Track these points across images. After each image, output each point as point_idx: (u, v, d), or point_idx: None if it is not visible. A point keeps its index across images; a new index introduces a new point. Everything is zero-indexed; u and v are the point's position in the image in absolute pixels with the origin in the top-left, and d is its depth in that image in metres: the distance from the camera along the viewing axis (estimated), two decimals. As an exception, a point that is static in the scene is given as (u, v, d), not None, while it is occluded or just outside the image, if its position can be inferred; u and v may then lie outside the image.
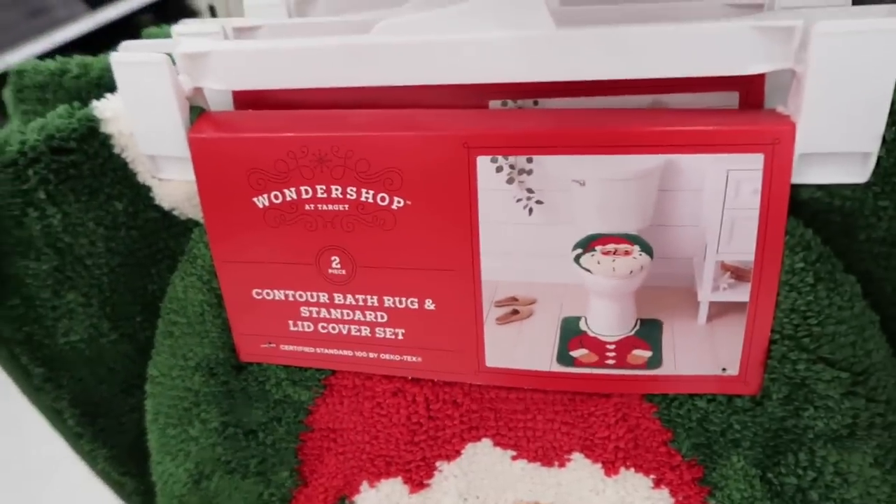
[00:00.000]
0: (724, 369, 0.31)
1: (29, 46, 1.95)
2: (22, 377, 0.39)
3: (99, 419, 0.43)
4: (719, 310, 0.30)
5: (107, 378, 0.42)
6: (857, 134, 0.27)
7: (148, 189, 0.36)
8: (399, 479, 0.39)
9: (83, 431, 0.43)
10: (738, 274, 0.29)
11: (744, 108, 0.30)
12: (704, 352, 0.31)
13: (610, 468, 0.35)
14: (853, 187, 0.28)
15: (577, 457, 0.35)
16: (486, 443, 0.36)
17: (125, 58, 0.32)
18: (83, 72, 0.40)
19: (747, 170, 0.28)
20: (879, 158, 0.27)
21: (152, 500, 0.47)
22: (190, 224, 0.38)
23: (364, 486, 0.39)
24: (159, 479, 0.42)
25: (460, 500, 0.38)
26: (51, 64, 0.40)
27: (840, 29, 0.25)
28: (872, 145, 0.27)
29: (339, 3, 0.45)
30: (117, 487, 0.47)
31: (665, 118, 0.29)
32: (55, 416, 0.42)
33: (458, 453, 0.37)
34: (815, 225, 0.29)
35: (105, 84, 0.39)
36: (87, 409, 0.42)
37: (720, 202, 0.28)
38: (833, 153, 0.27)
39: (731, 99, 0.31)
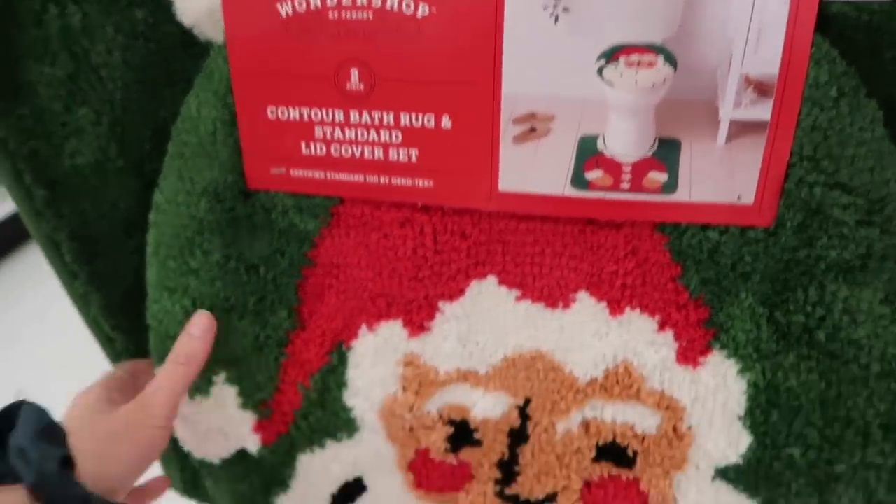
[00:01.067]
0: (739, 197, 0.31)
1: None
2: (24, 198, 0.39)
3: (96, 259, 0.42)
4: (739, 130, 0.30)
5: (108, 213, 0.41)
6: (890, -63, 0.27)
7: (170, 3, 0.36)
8: (399, 322, 0.38)
9: (79, 271, 0.42)
10: (761, 89, 0.29)
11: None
12: (721, 177, 0.31)
13: (615, 308, 0.35)
14: (881, 2, 0.28)
15: (582, 296, 0.35)
16: (492, 280, 0.36)
17: None
18: None
19: (778, -25, 0.28)
20: (911, -34, 0.27)
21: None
22: (208, 46, 0.37)
23: (363, 329, 0.39)
24: (154, 318, 0.42)
25: (459, 345, 0.38)
26: None
27: None
28: (905, -50, 0.27)
29: None
30: (107, 345, 0.47)
31: (698, -71, 0.29)
32: (53, 249, 0.41)
33: (461, 292, 0.37)
34: (841, 45, 0.29)
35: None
36: (86, 245, 0.41)
37: (749, 10, 0.28)
38: (865, -40, 0.27)
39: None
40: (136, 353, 0.47)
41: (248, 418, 0.42)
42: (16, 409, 0.34)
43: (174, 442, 0.50)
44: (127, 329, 0.46)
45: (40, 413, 0.34)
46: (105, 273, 0.43)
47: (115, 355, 0.47)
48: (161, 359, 0.43)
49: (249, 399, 0.42)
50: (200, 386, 0.42)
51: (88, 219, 0.41)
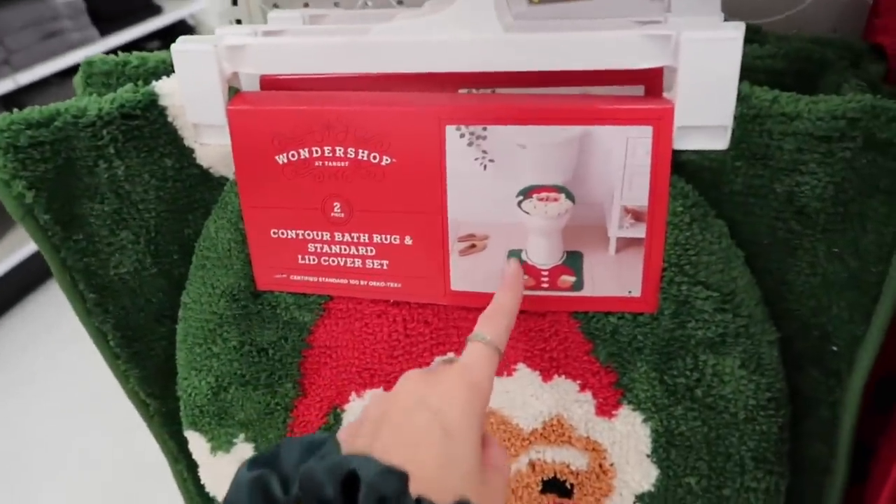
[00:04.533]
0: (629, 291, 0.42)
1: (41, 67, 2.07)
2: (78, 301, 0.49)
3: (134, 343, 0.52)
4: (624, 244, 0.41)
5: (144, 307, 0.51)
6: (716, 112, 0.37)
7: (191, 151, 0.46)
8: (381, 389, 0.48)
9: (121, 353, 0.52)
10: (636, 216, 0.40)
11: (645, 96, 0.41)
12: (614, 277, 0.41)
13: (546, 375, 0.45)
14: (717, 152, 0.39)
15: (521, 367, 0.45)
16: (450, 356, 0.46)
17: (183, 46, 0.42)
18: (141, 63, 0.50)
19: (641, 137, 0.38)
20: (733, 130, 0.38)
21: (170, 421, 0.56)
22: (222, 181, 0.48)
23: (352, 396, 0.49)
24: (184, 392, 0.52)
25: (429, 406, 0.48)
26: (116, 57, 0.50)
27: (699, 36, 0.36)
28: (728, 120, 0.37)
29: (342, 19, 0.56)
30: (142, 408, 0.56)
31: (585, 100, 0.40)
32: (100, 338, 0.51)
33: (427, 364, 0.47)
34: (693, 181, 0.40)
35: (159, 73, 0.49)
36: (126, 333, 0.51)
37: (622, 160, 0.39)
38: (701, 126, 0.38)
39: (637, 91, 0.41)
40: (165, 415, 0.56)
41: (262, 469, 0.52)
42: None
43: (197, 486, 0.60)
44: (158, 396, 0.55)
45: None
46: (141, 354, 0.53)
47: (148, 417, 0.57)
48: (190, 423, 0.53)
49: (263, 453, 0.52)
50: (222, 445, 0.52)
51: (129, 312, 0.51)
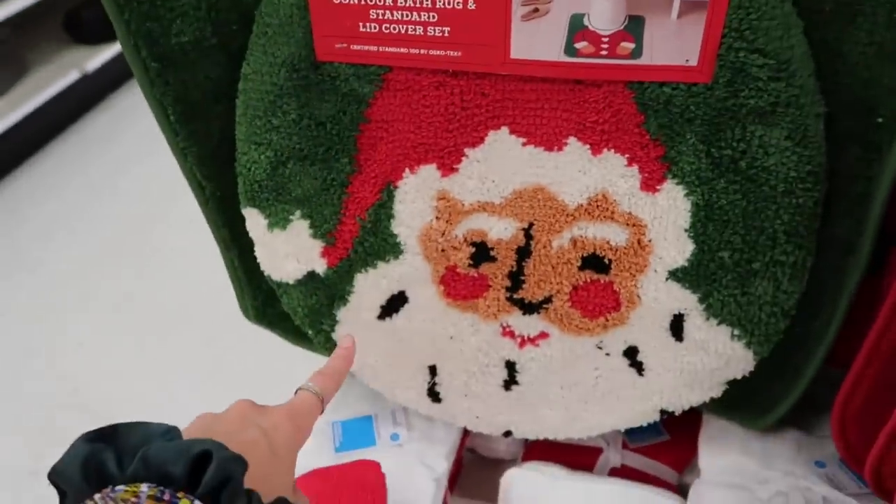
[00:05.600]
0: (687, 60, 0.43)
1: None
2: (141, 70, 0.50)
3: (193, 120, 0.54)
4: (688, 7, 0.41)
5: (203, 83, 0.52)
6: None
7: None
8: (434, 165, 0.50)
9: (180, 129, 0.53)
10: (703, -22, 0.40)
11: None
12: (674, 44, 0.42)
13: (596, 149, 0.47)
14: None
15: (571, 140, 0.47)
16: (504, 130, 0.48)
17: None
18: None
19: None
20: None
21: (225, 206, 0.59)
22: (283, -54, 0.47)
23: (406, 172, 0.51)
24: (243, 167, 0.54)
25: (479, 182, 0.50)
26: None
27: None
28: None
29: None
30: (198, 191, 0.59)
31: None
32: (161, 111, 0.52)
33: (481, 140, 0.49)
34: (763, -58, 0.40)
35: None
36: (185, 108, 0.53)
37: (695, -83, 0.39)
38: None
39: None
40: (220, 199, 0.59)
41: (317, 245, 0.55)
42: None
43: (248, 274, 0.64)
44: (214, 178, 0.58)
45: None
46: (199, 132, 0.55)
47: (204, 201, 0.59)
48: (248, 199, 0.55)
49: (318, 230, 0.54)
50: (279, 221, 0.55)
51: (188, 87, 0.52)
